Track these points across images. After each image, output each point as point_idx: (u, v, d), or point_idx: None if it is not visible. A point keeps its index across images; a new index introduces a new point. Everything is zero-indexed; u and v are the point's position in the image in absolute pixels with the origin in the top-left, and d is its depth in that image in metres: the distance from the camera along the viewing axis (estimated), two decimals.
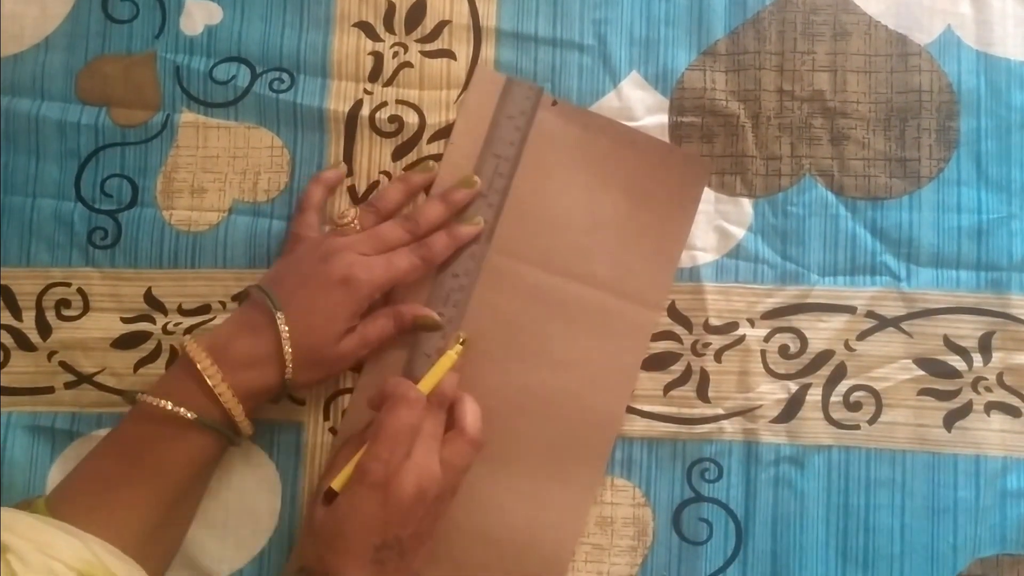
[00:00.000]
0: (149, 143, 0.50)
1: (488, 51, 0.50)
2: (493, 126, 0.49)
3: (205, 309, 0.49)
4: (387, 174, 0.50)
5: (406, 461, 0.41)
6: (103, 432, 0.48)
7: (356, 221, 0.47)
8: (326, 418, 0.48)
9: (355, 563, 0.40)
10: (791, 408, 0.48)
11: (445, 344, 0.47)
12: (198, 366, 0.42)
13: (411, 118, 0.50)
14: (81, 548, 0.38)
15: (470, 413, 0.45)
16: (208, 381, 0.42)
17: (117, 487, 0.42)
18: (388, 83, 0.50)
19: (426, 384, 0.44)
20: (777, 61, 0.50)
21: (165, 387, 0.43)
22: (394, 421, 0.42)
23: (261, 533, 0.47)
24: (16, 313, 0.49)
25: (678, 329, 0.48)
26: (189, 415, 0.42)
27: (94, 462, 0.43)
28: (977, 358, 0.48)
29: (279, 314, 0.43)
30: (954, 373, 0.48)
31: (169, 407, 0.42)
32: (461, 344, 0.46)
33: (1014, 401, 0.47)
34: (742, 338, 0.48)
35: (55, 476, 0.48)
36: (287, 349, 0.43)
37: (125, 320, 0.49)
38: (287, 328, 0.43)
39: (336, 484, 0.42)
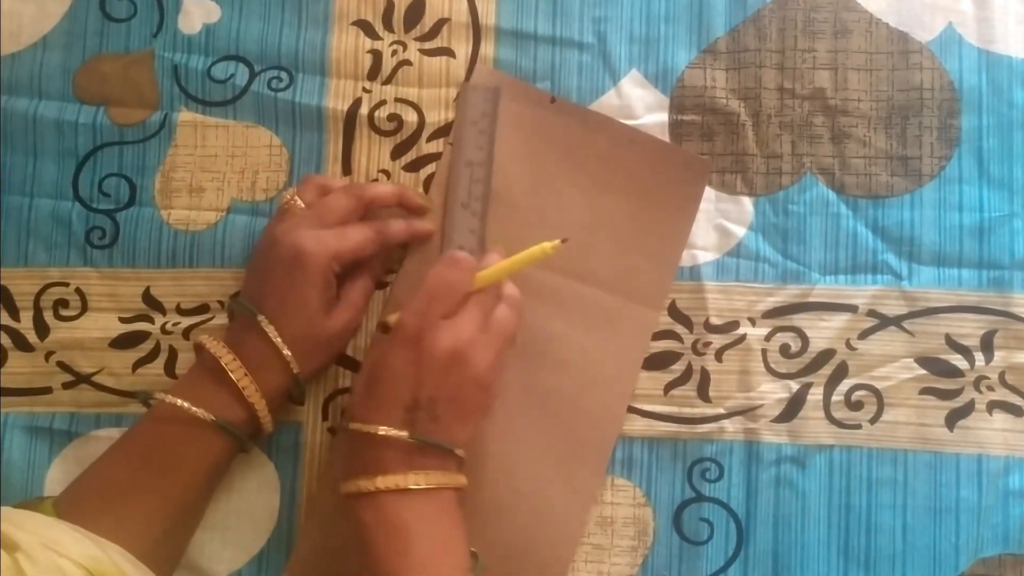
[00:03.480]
0: (147, 142, 0.50)
1: (487, 49, 0.50)
2: (458, 136, 0.49)
3: (203, 309, 0.49)
4: (386, 172, 0.49)
5: (443, 321, 0.40)
6: (101, 432, 0.48)
7: (295, 198, 0.46)
8: (324, 418, 0.48)
9: (385, 416, 0.40)
10: (792, 407, 0.47)
11: None
12: (221, 361, 0.43)
13: (410, 116, 0.50)
14: (90, 546, 0.37)
15: (509, 287, 0.44)
16: (232, 375, 0.42)
17: (129, 492, 0.42)
18: (387, 81, 0.50)
19: (500, 268, 0.42)
20: (778, 59, 0.49)
21: (182, 389, 0.43)
22: (436, 279, 0.41)
23: (260, 533, 0.47)
24: (14, 313, 0.49)
25: (679, 328, 0.48)
26: (208, 416, 0.42)
27: (105, 466, 0.43)
28: (979, 357, 0.47)
29: (260, 317, 0.43)
30: (956, 372, 0.47)
31: (187, 407, 0.42)
32: (561, 242, 0.41)
33: (1016, 400, 0.47)
34: (743, 337, 0.48)
35: (53, 476, 0.48)
36: (283, 348, 0.43)
37: (123, 320, 0.49)
38: (272, 327, 0.43)
39: (391, 319, 0.42)
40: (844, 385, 0.47)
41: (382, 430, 0.39)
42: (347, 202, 0.45)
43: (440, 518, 0.40)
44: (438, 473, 0.40)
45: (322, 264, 0.43)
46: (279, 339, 0.43)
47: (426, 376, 0.39)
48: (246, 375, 0.43)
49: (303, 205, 0.46)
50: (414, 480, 0.39)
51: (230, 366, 0.43)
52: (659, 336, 0.48)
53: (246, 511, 0.47)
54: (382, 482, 0.39)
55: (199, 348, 0.45)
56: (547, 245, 0.41)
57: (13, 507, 0.40)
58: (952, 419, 0.47)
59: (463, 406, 0.41)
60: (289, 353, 0.43)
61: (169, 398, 0.42)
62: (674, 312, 0.48)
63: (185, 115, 0.50)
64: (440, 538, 0.40)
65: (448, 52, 0.50)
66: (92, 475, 0.43)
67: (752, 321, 0.48)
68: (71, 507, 0.41)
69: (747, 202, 0.49)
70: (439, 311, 0.40)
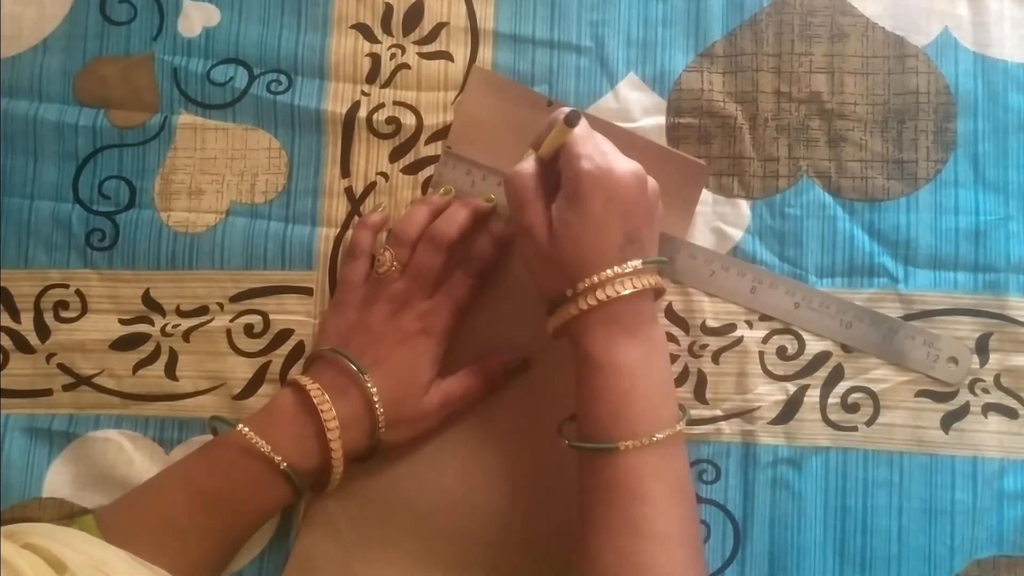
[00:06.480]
0: (147, 145, 0.50)
1: (486, 53, 0.50)
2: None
3: (203, 311, 0.49)
4: (384, 175, 0.50)
5: (608, 153, 0.40)
6: (99, 433, 0.48)
7: (395, 263, 0.46)
8: None
9: (604, 263, 0.40)
10: (789, 410, 0.48)
11: None
12: (319, 409, 0.42)
13: (408, 119, 0.50)
14: (141, 569, 0.37)
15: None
16: (325, 426, 0.42)
17: (188, 533, 0.41)
18: (386, 84, 0.50)
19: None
20: (774, 63, 0.50)
21: (259, 424, 0.43)
22: (578, 138, 0.41)
23: (260, 535, 0.47)
24: (14, 315, 0.49)
25: (675, 331, 0.48)
26: (282, 464, 0.41)
27: (165, 502, 0.42)
28: (974, 360, 0.48)
29: (365, 377, 0.43)
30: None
31: (265, 449, 0.41)
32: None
33: (1011, 403, 0.47)
34: (740, 339, 0.48)
35: (52, 478, 0.48)
36: (379, 409, 0.43)
37: (123, 322, 0.49)
38: (375, 388, 0.43)
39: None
40: (840, 387, 0.48)
41: (609, 272, 0.39)
42: (439, 260, 0.46)
43: (661, 359, 0.41)
44: (654, 278, 0.41)
45: (444, 338, 0.45)
46: (378, 400, 0.43)
47: (625, 208, 0.40)
48: (338, 428, 0.42)
49: (399, 267, 0.46)
50: (638, 281, 0.40)
51: (326, 416, 0.42)
52: None
53: None
54: (606, 275, 0.39)
55: (294, 387, 0.44)
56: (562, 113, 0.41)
57: (55, 523, 0.40)
58: (947, 421, 0.47)
59: (653, 220, 0.42)
60: (383, 417, 0.43)
61: (250, 434, 0.42)
62: (670, 315, 0.48)
63: (185, 118, 0.50)
64: (659, 382, 0.41)
65: (446, 56, 0.50)
66: (147, 507, 0.42)
67: (749, 323, 0.48)
68: (120, 533, 0.40)
69: (744, 205, 0.49)
70: (597, 148, 0.40)
